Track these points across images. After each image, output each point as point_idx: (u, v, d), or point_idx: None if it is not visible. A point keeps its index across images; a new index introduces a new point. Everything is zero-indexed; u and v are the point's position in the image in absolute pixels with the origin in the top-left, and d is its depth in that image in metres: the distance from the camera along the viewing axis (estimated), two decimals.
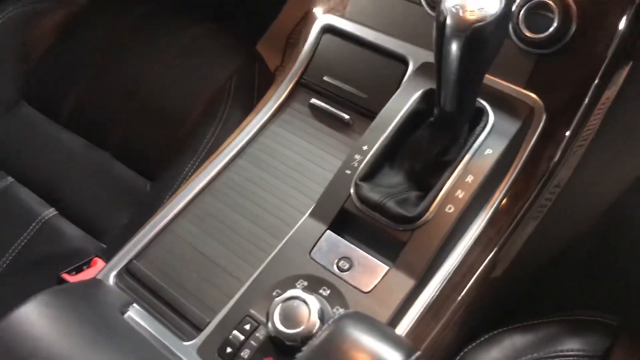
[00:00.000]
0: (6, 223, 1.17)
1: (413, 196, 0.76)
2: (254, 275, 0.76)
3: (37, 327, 0.62)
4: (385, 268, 0.73)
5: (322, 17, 0.94)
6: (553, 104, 0.78)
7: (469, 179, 0.74)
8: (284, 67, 0.96)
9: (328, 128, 0.90)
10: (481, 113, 0.77)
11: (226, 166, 0.89)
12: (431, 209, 0.72)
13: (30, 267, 1.11)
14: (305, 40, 0.95)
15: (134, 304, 0.74)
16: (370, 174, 0.78)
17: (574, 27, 0.75)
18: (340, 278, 0.73)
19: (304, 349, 0.53)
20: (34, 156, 1.26)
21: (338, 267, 0.74)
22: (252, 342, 0.70)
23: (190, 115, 1.15)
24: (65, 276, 0.87)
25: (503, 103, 0.78)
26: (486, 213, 0.76)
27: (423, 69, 0.85)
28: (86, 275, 0.88)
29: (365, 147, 0.79)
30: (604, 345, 0.78)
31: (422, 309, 0.71)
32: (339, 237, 0.76)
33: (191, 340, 0.73)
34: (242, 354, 0.70)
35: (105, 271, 0.82)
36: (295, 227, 0.79)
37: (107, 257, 0.90)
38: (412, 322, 0.71)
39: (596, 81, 0.76)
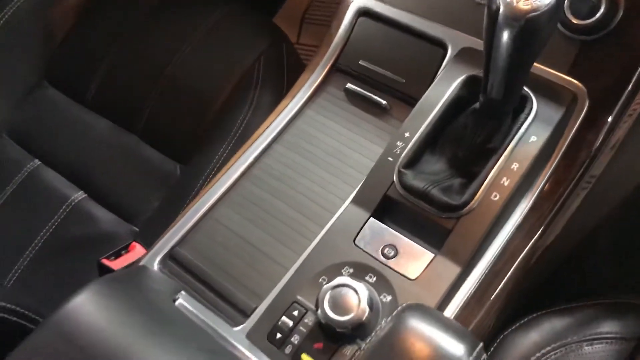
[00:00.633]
0: (36, 206, 1.18)
1: (456, 183, 0.76)
2: (299, 262, 0.77)
3: (94, 318, 0.63)
4: (431, 255, 0.73)
5: (356, 0, 0.94)
6: (596, 90, 0.77)
7: (514, 166, 0.74)
8: (318, 50, 0.95)
9: (365, 113, 0.90)
10: (525, 100, 0.77)
11: (263, 152, 0.89)
12: (477, 196, 0.73)
13: (63, 251, 1.12)
14: (340, 24, 0.94)
15: (182, 291, 0.75)
16: (412, 161, 0.78)
17: (620, 14, 0.74)
18: (386, 265, 0.74)
19: (369, 340, 0.54)
20: (60, 138, 1.26)
21: (383, 255, 0.75)
22: (302, 328, 0.71)
23: (219, 97, 1.15)
24: (106, 261, 0.88)
25: (546, 90, 0.78)
26: (529, 200, 0.76)
27: (463, 55, 0.84)
28: (126, 260, 0.89)
29: (407, 134, 0.80)
30: None
31: (467, 296, 0.72)
32: (383, 225, 0.77)
33: (239, 326, 0.74)
34: (292, 339, 0.71)
35: (148, 257, 0.82)
36: (338, 213, 0.79)
37: (142, 241, 0.91)
38: (457, 309, 0.72)
39: (639, 70, 0.76)
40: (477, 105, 0.76)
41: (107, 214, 1.15)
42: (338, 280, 0.70)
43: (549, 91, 0.78)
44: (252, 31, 1.20)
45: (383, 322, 0.70)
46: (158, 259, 0.82)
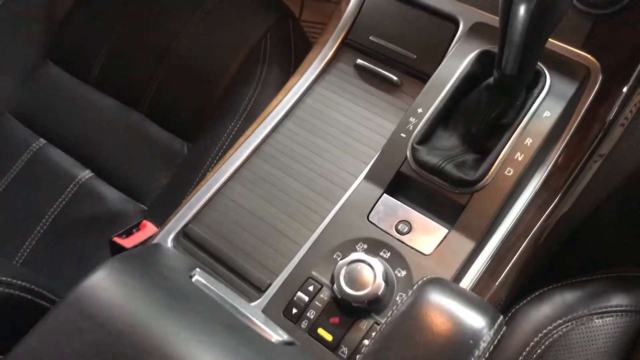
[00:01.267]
0: (43, 185, 1.18)
1: (470, 159, 0.77)
2: (313, 238, 0.77)
3: (114, 295, 0.63)
4: (445, 231, 0.74)
5: None
6: (609, 64, 0.77)
7: (528, 141, 0.74)
8: (327, 25, 0.95)
9: (375, 89, 0.89)
10: (538, 76, 0.76)
11: (274, 129, 0.89)
12: (491, 172, 0.73)
13: (72, 230, 1.12)
14: None
15: (197, 268, 0.76)
16: (426, 137, 0.78)
17: None
18: (400, 241, 0.74)
19: (390, 314, 0.55)
20: (65, 117, 1.25)
21: (397, 230, 0.75)
22: (317, 303, 0.72)
23: (226, 74, 1.14)
24: (118, 239, 0.88)
25: (560, 65, 0.78)
26: (541, 175, 0.77)
27: (475, 30, 0.84)
28: (137, 238, 0.89)
29: (420, 110, 0.79)
30: None
31: (481, 271, 0.73)
32: (396, 201, 0.77)
33: (255, 301, 0.75)
34: (307, 314, 0.72)
35: (161, 235, 0.83)
36: (350, 190, 0.80)
37: (153, 219, 0.91)
38: (471, 284, 0.73)
39: None
40: (490, 80, 0.75)
41: (115, 192, 1.15)
42: (353, 255, 0.70)
43: (563, 66, 0.78)
44: (258, 7, 1.19)
45: (398, 297, 0.71)
46: (172, 236, 0.82)
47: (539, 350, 0.75)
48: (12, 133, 1.26)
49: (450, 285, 0.57)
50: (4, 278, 0.77)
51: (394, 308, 0.56)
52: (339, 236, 0.76)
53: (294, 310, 0.72)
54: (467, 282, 0.72)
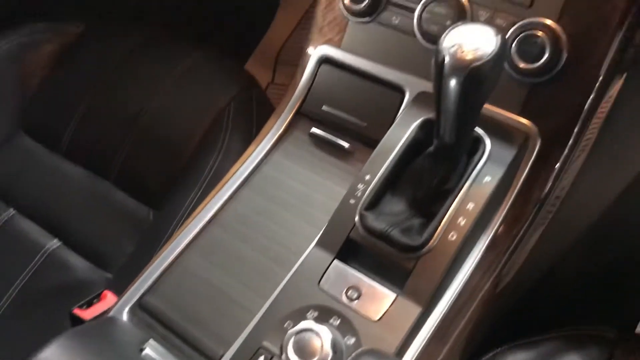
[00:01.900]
0: (11, 256, 1.19)
1: (416, 224, 0.79)
2: (265, 307, 0.78)
3: None
4: (393, 296, 0.75)
5: (319, 48, 0.97)
6: (547, 129, 0.80)
7: (470, 206, 0.76)
8: (283, 97, 0.99)
9: (329, 156, 0.92)
10: (478, 142, 0.79)
11: (231, 197, 0.91)
12: (435, 237, 0.75)
13: (38, 300, 1.12)
14: (303, 71, 0.97)
15: (150, 340, 0.76)
16: (373, 203, 0.80)
17: (565, 56, 0.78)
18: (350, 307, 0.75)
19: None
20: (35, 187, 1.27)
21: (347, 297, 0.76)
22: None
23: (190, 143, 1.17)
24: (78, 311, 0.88)
25: (499, 131, 0.81)
26: (486, 238, 0.79)
27: (420, 98, 0.87)
28: (97, 309, 0.90)
29: (367, 177, 0.82)
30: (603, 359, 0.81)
31: (429, 334, 0.74)
32: (347, 266, 0.79)
33: None
34: None
35: (118, 307, 0.83)
36: (302, 257, 0.81)
37: (115, 287, 0.92)
38: (419, 349, 0.73)
39: (587, 105, 0.79)
40: (432, 148, 0.78)
41: (81, 261, 1.16)
42: (302, 324, 0.71)
43: (502, 132, 0.81)
44: (223, 77, 1.23)
45: None
46: (127, 308, 0.83)
47: None
48: None
49: (383, 357, 0.58)
50: None
51: None
52: (290, 304, 0.77)
53: None
54: (415, 347, 0.73)
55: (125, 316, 0.82)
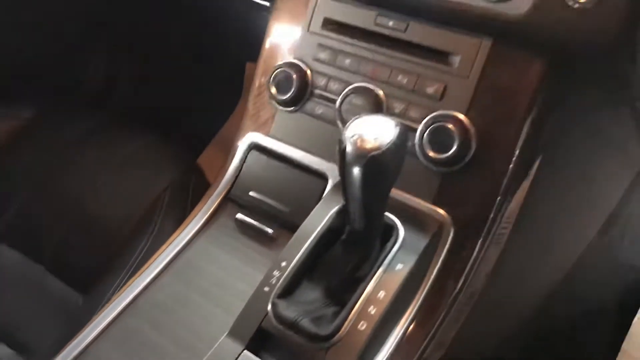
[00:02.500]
0: None
1: (330, 313, 0.77)
2: None
3: None
4: None
5: (248, 135, 0.99)
6: (461, 218, 0.81)
7: (381, 294, 0.75)
8: (213, 182, 0.99)
9: (253, 242, 0.92)
10: (391, 229, 0.80)
11: (151, 282, 0.89)
12: (344, 326, 0.74)
13: None
14: (233, 157, 0.99)
15: None
16: (288, 291, 0.79)
17: (474, 147, 0.80)
18: None
19: None
20: None
21: None
22: None
23: (124, 228, 1.17)
24: None
25: (413, 219, 0.81)
26: (401, 327, 0.77)
27: (339, 186, 0.88)
28: None
29: (283, 264, 0.81)
30: None
31: None
32: (257, 358, 0.76)
33: None
34: None
35: None
36: (213, 348, 0.79)
37: None
38: None
39: (500, 193, 0.81)
40: (344, 235, 0.78)
41: (6, 350, 1.12)
42: None
43: (416, 220, 0.81)
44: (163, 163, 1.25)
45: None
46: None
47: None
48: None
49: None
50: None
51: None
52: None
53: None
54: None
55: None
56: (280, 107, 0.95)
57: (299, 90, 0.92)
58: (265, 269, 0.87)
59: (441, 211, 0.82)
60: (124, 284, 1.08)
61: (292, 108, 0.95)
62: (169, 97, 1.73)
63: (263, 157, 0.97)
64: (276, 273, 0.81)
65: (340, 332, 0.73)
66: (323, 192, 0.90)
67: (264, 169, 0.96)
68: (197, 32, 1.63)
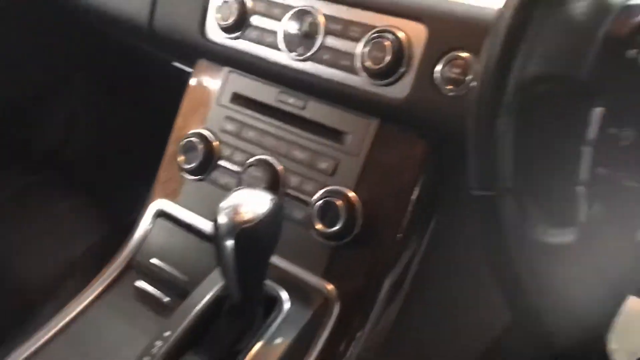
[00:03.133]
0: None
1: None
2: None
3: None
4: None
5: (156, 202, 1.00)
6: (348, 292, 0.82)
7: None
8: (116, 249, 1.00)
9: (150, 311, 0.91)
10: (275, 301, 0.80)
11: (42, 348, 0.88)
12: None
13: None
14: (139, 223, 1.00)
15: None
16: None
17: (360, 222, 0.82)
18: None
19: None
20: None
21: None
22: None
23: (38, 292, 1.15)
24: None
25: (299, 291, 0.82)
26: None
27: None
28: None
29: (167, 334, 0.81)
30: None
31: None
32: None
33: None
34: None
35: None
36: None
37: None
38: None
39: (388, 270, 0.82)
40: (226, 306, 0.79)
41: None
42: None
43: (302, 293, 0.82)
44: (87, 225, 1.25)
45: None
46: None
47: None
48: None
49: None
50: None
51: None
52: None
53: None
54: None
55: None
56: (187, 176, 0.97)
57: (204, 159, 0.94)
58: None
59: (328, 285, 0.83)
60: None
61: (198, 177, 0.96)
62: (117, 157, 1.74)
63: (169, 225, 0.98)
64: (158, 343, 0.80)
65: None
66: None
67: (169, 237, 0.97)
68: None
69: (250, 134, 0.93)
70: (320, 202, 0.83)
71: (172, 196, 1.00)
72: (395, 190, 0.82)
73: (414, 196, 0.82)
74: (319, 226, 0.83)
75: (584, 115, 0.50)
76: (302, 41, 0.86)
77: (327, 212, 0.83)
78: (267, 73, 0.91)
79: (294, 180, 0.88)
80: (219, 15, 0.92)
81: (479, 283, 1.11)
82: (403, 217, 0.82)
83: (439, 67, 0.76)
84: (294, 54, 0.87)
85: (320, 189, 0.85)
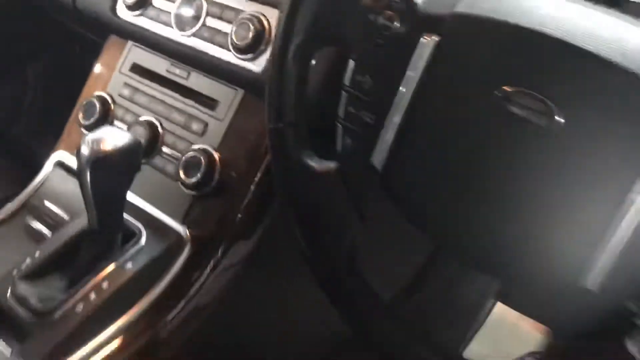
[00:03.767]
0: None
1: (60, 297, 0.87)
2: None
3: None
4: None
5: (56, 153, 1.12)
6: (199, 237, 0.94)
7: (104, 284, 0.87)
8: None
9: (33, 244, 1.02)
10: (134, 235, 0.92)
11: None
12: (63, 306, 0.84)
13: None
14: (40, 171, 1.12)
15: None
16: (34, 276, 0.89)
17: (217, 177, 0.95)
18: None
19: None
20: None
21: None
22: None
23: None
24: None
25: (158, 231, 0.94)
26: (125, 319, 0.88)
27: None
28: None
29: (37, 254, 0.92)
30: None
31: None
32: None
33: None
34: None
35: None
36: None
37: None
38: None
39: (236, 219, 0.95)
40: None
41: None
42: None
43: (160, 233, 0.94)
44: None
45: None
46: None
47: None
48: None
49: None
50: None
51: None
52: None
53: None
54: None
55: None
56: (85, 131, 1.10)
57: (100, 117, 1.07)
58: None
59: (182, 229, 0.95)
60: None
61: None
62: None
63: (65, 174, 1.10)
64: (28, 260, 0.92)
65: (58, 310, 0.84)
66: None
67: (63, 184, 1.09)
68: None
69: (142, 99, 1.06)
70: (187, 156, 0.96)
71: (72, 149, 1.12)
72: (251, 153, 0.95)
73: (267, 160, 0.95)
74: (182, 177, 0.96)
75: (343, 65, 0.64)
76: (189, 21, 1.01)
77: (191, 166, 0.96)
78: (161, 47, 1.05)
79: (170, 138, 1.01)
80: None
81: None
82: (255, 177, 0.95)
83: None
84: (182, 32, 1.01)
85: (190, 147, 0.98)
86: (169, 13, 1.03)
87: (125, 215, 0.92)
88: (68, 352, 0.83)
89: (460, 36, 0.57)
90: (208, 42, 0.98)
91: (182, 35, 1.01)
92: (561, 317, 0.61)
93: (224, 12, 0.97)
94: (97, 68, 1.15)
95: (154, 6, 1.05)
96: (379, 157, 0.62)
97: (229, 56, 0.96)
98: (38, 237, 1.03)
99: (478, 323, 0.96)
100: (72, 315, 0.84)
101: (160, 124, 1.03)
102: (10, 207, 1.08)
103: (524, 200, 0.54)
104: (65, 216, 1.04)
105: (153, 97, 1.05)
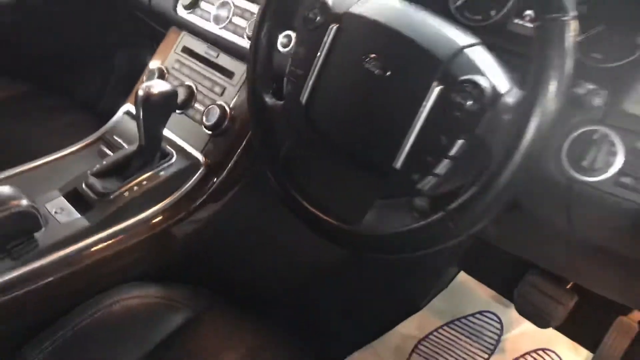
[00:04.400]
0: None
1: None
2: None
3: None
4: None
5: (126, 105, 1.60)
6: (210, 164, 1.38)
7: (145, 182, 1.31)
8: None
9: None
10: (168, 155, 1.37)
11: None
12: (117, 191, 1.29)
13: None
14: (113, 117, 1.59)
15: None
16: (102, 175, 1.35)
17: (227, 123, 1.39)
18: None
19: None
20: None
21: None
22: None
23: None
24: None
25: (185, 157, 1.39)
26: (156, 208, 1.32)
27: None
28: None
29: (104, 162, 1.38)
30: None
31: None
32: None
33: None
34: None
35: None
36: None
37: None
38: None
39: (236, 154, 1.38)
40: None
41: None
42: None
43: (186, 158, 1.38)
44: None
45: None
46: None
47: None
48: None
49: None
50: None
51: None
52: None
53: None
54: None
55: None
56: None
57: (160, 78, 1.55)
58: None
59: (200, 156, 1.39)
60: None
61: None
62: None
63: (129, 119, 1.57)
64: (97, 165, 1.37)
65: (113, 194, 1.29)
66: None
67: (130, 128, 1.56)
68: None
69: (186, 70, 1.53)
70: (209, 108, 1.41)
71: None
72: None
73: None
74: (204, 121, 1.40)
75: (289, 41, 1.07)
76: (222, 18, 1.46)
77: (210, 114, 1.40)
78: (203, 35, 1.52)
79: (200, 97, 1.46)
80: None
81: None
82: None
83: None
84: (217, 25, 1.47)
85: (213, 103, 1.43)
86: (210, 13, 1.49)
87: (164, 145, 1.38)
88: (117, 219, 1.28)
89: (350, 25, 0.99)
90: (232, 33, 1.44)
91: (217, 27, 1.47)
92: None
93: (244, 13, 1.42)
94: (160, 48, 1.63)
95: (201, 8, 1.52)
96: (304, 97, 1.03)
97: (245, 42, 1.40)
98: (106, 156, 1.50)
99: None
100: (122, 197, 1.29)
101: (196, 87, 1.48)
102: (91, 138, 1.56)
103: (379, 114, 0.94)
104: (126, 146, 1.51)
105: (193, 69, 1.51)
